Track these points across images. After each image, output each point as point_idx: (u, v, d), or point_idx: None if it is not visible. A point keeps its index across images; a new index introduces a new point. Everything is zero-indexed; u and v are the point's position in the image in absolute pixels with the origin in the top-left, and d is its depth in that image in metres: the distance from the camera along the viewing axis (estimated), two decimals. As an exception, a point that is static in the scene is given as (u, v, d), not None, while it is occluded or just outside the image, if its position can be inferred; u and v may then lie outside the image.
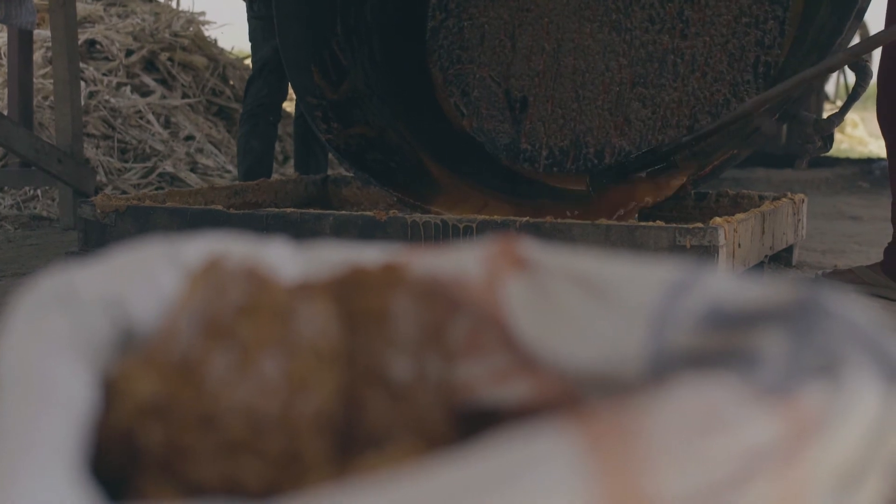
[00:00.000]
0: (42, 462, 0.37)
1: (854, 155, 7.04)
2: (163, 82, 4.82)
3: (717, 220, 1.77)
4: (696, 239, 1.69)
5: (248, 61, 5.65)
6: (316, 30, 2.66)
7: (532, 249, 0.51)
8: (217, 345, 0.44)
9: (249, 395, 0.43)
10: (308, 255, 0.55)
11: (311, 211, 2.03)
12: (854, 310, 0.41)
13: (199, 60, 4.97)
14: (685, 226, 1.74)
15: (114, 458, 0.43)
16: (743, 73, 2.50)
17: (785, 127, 2.21)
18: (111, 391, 0.44)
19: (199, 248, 0.52)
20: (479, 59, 2.83)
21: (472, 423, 0.54)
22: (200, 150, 4.57)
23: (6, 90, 4.07)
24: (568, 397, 0.51)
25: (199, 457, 0.42)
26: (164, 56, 4.86)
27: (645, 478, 0.32)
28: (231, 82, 5.11)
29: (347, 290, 0.50)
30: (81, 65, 4.33)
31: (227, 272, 0.47)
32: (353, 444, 0.48)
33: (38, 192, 3.94)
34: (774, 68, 2.45)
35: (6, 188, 3.92)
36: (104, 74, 4.64)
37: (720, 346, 0.44)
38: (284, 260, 0.54)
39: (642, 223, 1.79)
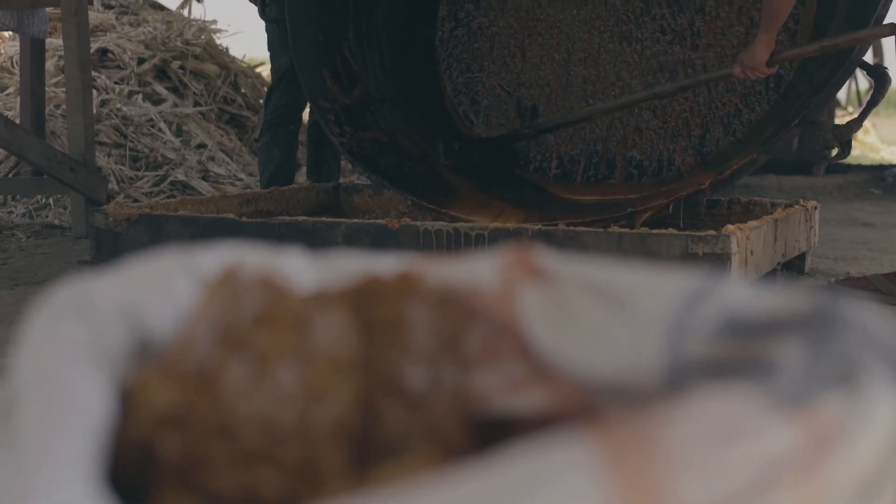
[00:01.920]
0: (60, 472, 0.37)
1: (866, 161, 7.01)
2: (174, 90, 4.84)
3: (730, 227, 1.77)
4: (708, 246, 1.68)
5: (260, 69, 5.66)
6: (328, 34, 2.67)
7: (547, 258, 0.51)
8: (234, 354, 0.44)
9: (266, 404, 0.43)
10: (323, 264, 0.55)
11: (324, 219, 2.03)
12: (871, 318, 0.41)
13: (210, 69, 4.99)
14: (698, 233, 1.73)
15: (131, 467, 0.43)
16: (754, 84, 2.49)
17: (799, 133, 2.21)
18: (128, 401, 0.44)
19: (214, 257, 0.52)
20: (489, 69, 2.83)
21: (488, 432, 0.54)
22: (212, 159, 4.58)
23: (18, 99, 4.09)
24: (585, 407, 0.51)
25: (217, 466, 0.42)
26: (175, 64, 4.88)
27: (664, 487, 0.32)
28: (243, 90, 5.12)
29: (363, 300, 0.50)
30: (93, 73, 4.35)
31: (243, 282, 0.47)
32: (369, 453, 0.48)
33: (51, 200, 3.96)
34: (785, 80, 2.45)
35: (18, 197, 3.94)
36: (116, 83, 4.67)
37: (737, 356, 0.44)
38: (300, 269, 0.54)
39: (654, 231, 1.78)
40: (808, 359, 0.40)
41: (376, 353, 0.49)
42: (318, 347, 0.45)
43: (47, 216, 3.89)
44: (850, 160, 4.66)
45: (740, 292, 0.45)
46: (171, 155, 4.45)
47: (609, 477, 0.31)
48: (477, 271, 0.53)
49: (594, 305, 0.48)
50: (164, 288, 0.50)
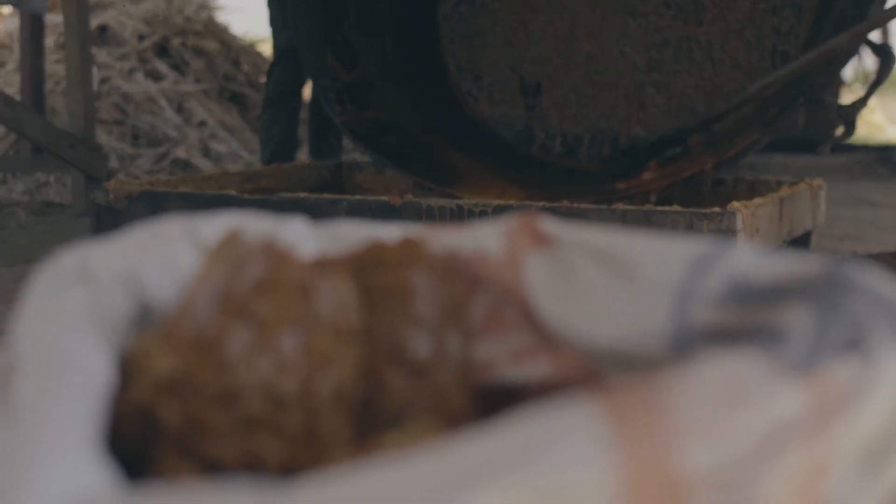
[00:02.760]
0: (60, 440, 0.36)
1: (872, 141, 6.98)
2: (175, 68, 4.82)
3: (735, 204, 1.76)
4: (713, 224, 1.68)
5: (261, 47, 5.63)
6: (329, 12, 2.65)
7: (552, 226, 0.51)
8: (235, 321, 0.44)
9: (268, 371, 0.43)
10: (326, 232, 0.55)
11: (325, 196, 2.02)
12: (879, 283, 0.40)
13: (211, 46, 4.97)
14: (702, 210, 1.72)
15: (132, 434, 0.43)
16: (760, 60, 2.47)
17: (803, 112, 2.19)
18: (129, 368, 0.43)
19: (216, 225, 0.52)
20: (492, 45, 2.81)
21: (492, 401, 0.54)
22: (213, 136, 4.57)
23: (18, 76, 4.08)
24: (590, 375, 0.51)
25: (218, 434, 0.41)
26: (176, 41, 4.86)
27: (671, 451, 0.31)
28: (244, 68, 5.10)
29: (366, 267, 0.50)
30: (93, 50, 4.33)
31: (245, 249, 0.47)
32: (372, 421, 0.47)
33: (51, 178, 3.94)
34: (791, 58, 2.43)
35: (18, 174, 3.93)
36: (116, 60, 4.64)
37: (745, 322, 0.43)
38: (303, 237, 0.54)
39: (659, 207, 1.78)
40: (816, 324, 0.39)
41: (379, 320, 0.48)
42: (321, 314, 0.45)
43: (47, 194, 3.88)
44: (856, 140, 4.64)
45: (747, 258, 0.44)
46: (172, 132, 4.43)
47: (615, 441, 0.31)
48: (481, 239, 0.52)
49: (599, 272, 0.48)
50: (164, 255, 0.49)
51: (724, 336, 0.44)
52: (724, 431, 0.32)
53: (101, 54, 4.56)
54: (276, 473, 0.42)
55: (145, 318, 0.49)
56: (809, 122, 2.23)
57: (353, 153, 4.04)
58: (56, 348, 0.41)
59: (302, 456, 0.42)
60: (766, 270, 0.43)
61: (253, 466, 0.42)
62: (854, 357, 0.36)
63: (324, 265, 0.48)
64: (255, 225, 0.53)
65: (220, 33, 5.10)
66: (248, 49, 5.30)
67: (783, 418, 0.33)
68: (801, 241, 2.47)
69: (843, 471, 0.34)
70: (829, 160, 5.00)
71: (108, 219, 2.13)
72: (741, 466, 0.32)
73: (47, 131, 3.19)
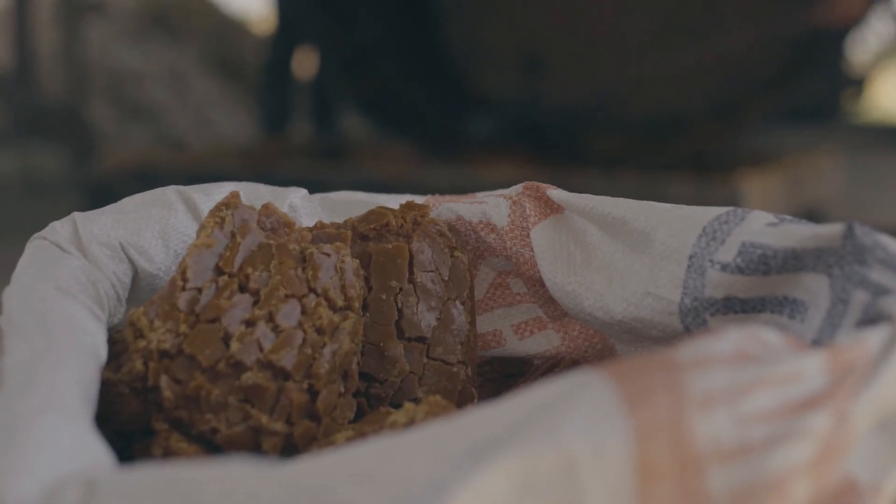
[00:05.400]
0: (51, 410, 0.35)
1: (884, 113, 6.93)
2: (170, 42, 4.79)
3: (745, 172, 1.74)
4: (722, 192, 1.66)
5: (257, 20, 5.60)
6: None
7: (560, 193, 0.49)
8: (233, 291, 0.42)
9: (265, 342, 0.41)
10: (326, 200, 0.53)
11: (326, 167, 2.00)
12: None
13: (206, 20, 4.94)
14: (711, 179, 1.71)
15: (127, 408, 0.41)
16: (769, 28, 2.44)
17: (816, 80, 2.16)
18: (124, 338, 0.42)
19: (213, 193, 0.50)
20: (492, 15, 2.78)
21: (498, 374, 0.53)
22: (208, 110, 4.55)
23: (7, 48, 4.04)
24: (600, 348, 0.49)
25: (213, 406, 0.40)
26: (171, 15, 4.83)
27: (684, 420, 0.30)
28: (241, 40, 5.07)
29: (367, 234, 0.48)
30: (87, 23, 4.29)
31: (242, 216, 0.45)
32: (374, 397, 0.46)
33: (41, 153, 3.92)
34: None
35: (7, 149, 3.91)
36: (108, 32, 4.61)
37: (762, 291, 0.42)
38: (302, 205, 0.52)
39: (666, 175, 1.76)
40: (834, 292, 0.38)
41: (381, 290, 0.47)
42: (320, 282, 0.44)
43: (38, 169, 3.86)
44: (868, 112, 4.61)
45: (762, 225, 0.42)
46: (166, 106, 4.41)
47: (627, 410, 0.29)
48: (487, 207, 0.51)
49: (609, 241, 0.46)
50: (159, 223, 0.48)
51: (739, 306, 0.42)
52: (739, 402, 0.31)
53: (94, 27, 4.52)
54: (274, 447, 0.41)
55: (140, 288, 0.47)
56: (820, 90, 2.20)
57: (354, 124, 4.01)
58: (48, 316, 0.40)
59: (299, 429, 0.41)
60: (781, 238, 0.41)
61: (249, 440, 0.40)
62: (874, 325, 0.35)
63: (323, 233, 0.47)
64: (252, 193, 0.52)
65: (214, 7, 5.08)
66: (243, 22, 5.28)
67: (801, 389, 0.32)
68: (811, 212, 2.45)
69: (862, 441, 0.33)
70: (840, 131, 4.97)
71: (100, 193, 2.12)
72: (756, 437, 0.31)
73: (38, 106, 3.17)
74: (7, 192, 3.47)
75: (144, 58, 4.58)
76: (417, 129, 2.56)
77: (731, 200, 1.66)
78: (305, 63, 3.48)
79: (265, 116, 3.32)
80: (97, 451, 0.35)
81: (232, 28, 5.12)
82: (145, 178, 2.09)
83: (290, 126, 3.36)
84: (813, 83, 2.15)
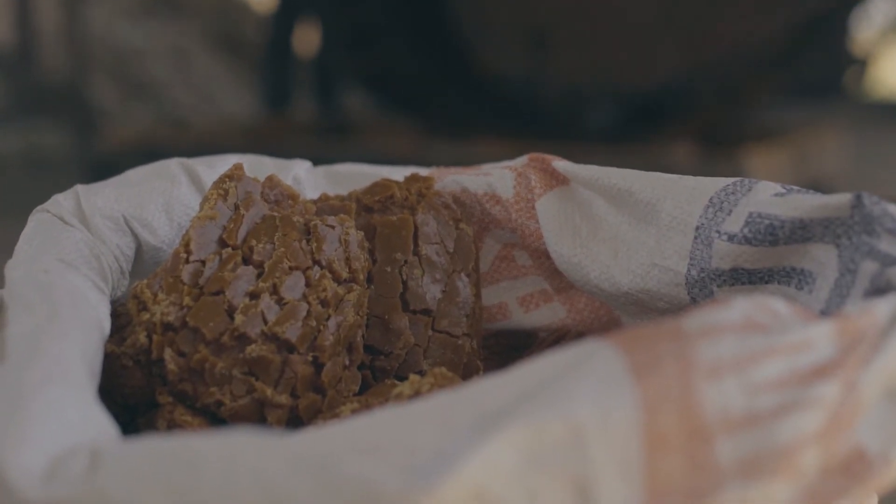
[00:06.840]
0: (61, 380, 0.35)
1: (888, 91, 6.89)
2: (171, 18, 4.76)
3: (749, 148, 1.74)
4: (728, 167, 1.65)
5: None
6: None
7: (565, 164, 0.49)
8: (237, 263, 0.42)
9: (270, 314, 0.41)
10: (330, 172, 0.53)
11: (329, 144, 2.00)
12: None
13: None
14: (716, 154, 1.70)
15: (131, 381, 0.41)
16: (773, 6, 2.42)
17: (820, 56, 2.15)
18: (128, 311, 0.42)
19: (216, 165, 0.50)
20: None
21: (504, 347, 0.52)
22: (211, 87, 4.53)
23: (9, 26, 4.02)
24: (606, 319, 0.49)
25: (218, 379, 0.40)
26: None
27: (692, 389, 0.30)
28: (243, 18, 5.05)
29: (372, 206, 0.48)
30: (89, 0, 4.27)
31: (246, 188, 0.45)
32: (378, 367, 0.46)
33: (44, 130, 3.91)
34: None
35: (9, 127, 3.90)
36: (111, 10, 4.59)
37: (769, 262, 0.41)
38: (306, 177, 0.52)
39: (670, 148, 1.75)
40: (842, 262, 0.38)
41: (386, 262, 0.46)
42: (325, 255, 0.43)
43: (39, 146, 3.85)
44: (872, 89, 4.58)
45: (769, 195, 0.42)
46: (169, 83, 4.40)
47: (635, 379, 0.29)
48: (492, 178, 0.50)
49: (615, 212, 0.46)
50: (162, 195, 0.48)
51: (746, 277, 0.42)
52: (747, 371, 0.31)
53: (96, 5, 4.49)
54: (279, 419, 0.40)
55: (143, 260, 0.47)
56: (823, 67, 2.19)
57: (357, 101, 3.99)
58: (52, 288, 0.40)
59: (304, 401, 0.41)
60: (788, 208, 0.41)
61: (255, 414, 0.40)
62: (883, 295, 0.35)
63: (328, 205, 0.47)
64: (256, 165, 0.51)
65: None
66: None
67: (810, 358, 0.32)
68: (816, 187, 2.44)
69: (871, 410, 0.33)
70: (844, 108, 4.95)
71: (103, 171, 2.12)
72: (765, 406, 0.31)
73: (40, 83, 3.16)
74: (10, 169, 3.46)
75: (147, 35, 4.56)
76: (422, 105, 2.55)
77: (737, 175, 1.66)
78: (308, 39, 3.47)
79: (268, 93, 3.32)
80: (102, 423, 0.34)
81: (234, 5, 5.09)
82: (148, 156, 2.08)
83: (293, 103, 3.36)
84: (818, 60, 2.13)
